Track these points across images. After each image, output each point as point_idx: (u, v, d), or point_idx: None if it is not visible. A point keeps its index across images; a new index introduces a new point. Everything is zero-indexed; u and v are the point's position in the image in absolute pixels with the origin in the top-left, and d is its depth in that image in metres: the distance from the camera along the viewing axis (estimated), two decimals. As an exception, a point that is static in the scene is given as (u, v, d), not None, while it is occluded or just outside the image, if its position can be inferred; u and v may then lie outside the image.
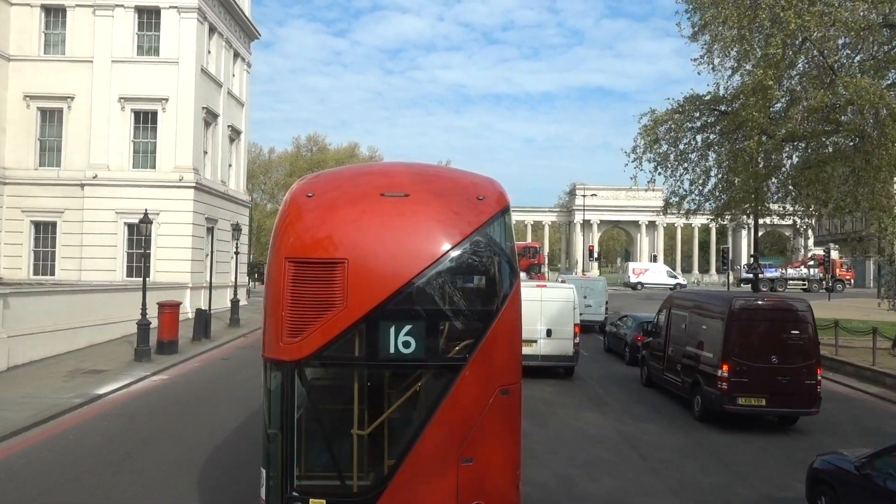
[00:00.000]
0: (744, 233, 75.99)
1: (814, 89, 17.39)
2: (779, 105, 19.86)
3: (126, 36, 29.35)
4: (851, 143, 18.11)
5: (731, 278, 50.63)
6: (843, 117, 17.67)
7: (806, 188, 19.09)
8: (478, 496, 5.67)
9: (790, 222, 29.00)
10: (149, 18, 29.75)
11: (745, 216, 25.11)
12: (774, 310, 13.20)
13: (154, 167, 29.43)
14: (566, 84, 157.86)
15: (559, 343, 17.81)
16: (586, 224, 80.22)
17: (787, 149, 20.23)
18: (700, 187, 22.68)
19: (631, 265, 70.38)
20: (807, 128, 18.40)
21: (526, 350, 16.87)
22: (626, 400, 15.55)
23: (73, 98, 29.24)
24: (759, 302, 13.54)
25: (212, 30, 32.16)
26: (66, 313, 19.99)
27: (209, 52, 31.98)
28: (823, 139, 18.94)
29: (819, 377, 12.80)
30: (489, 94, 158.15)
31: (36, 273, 29.26)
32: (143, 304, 18.86)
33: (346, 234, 5.69)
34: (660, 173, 22.49)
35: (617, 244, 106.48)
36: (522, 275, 41.07)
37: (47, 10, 29.60)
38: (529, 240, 78.82)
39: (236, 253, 29.81)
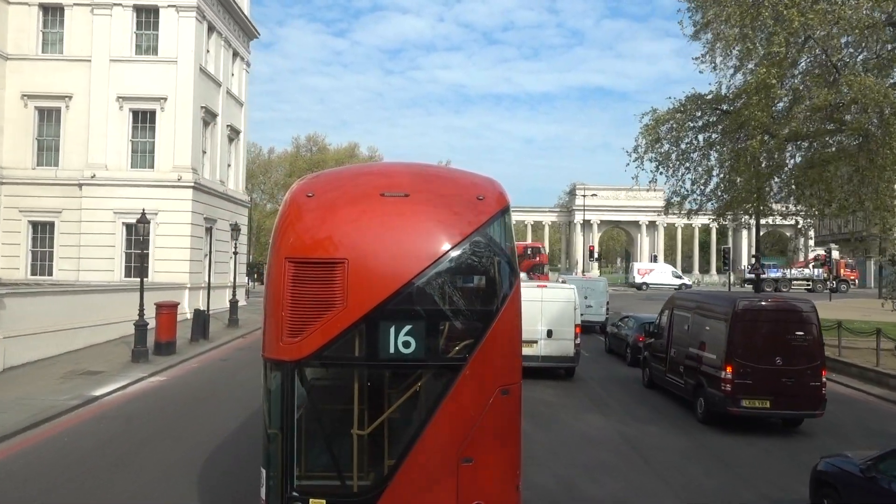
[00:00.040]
0: (744, 233, 75.91)
1: (817, 88, 17.23)
2: (781, 104, 19.71)
3: (124, 35, 29.20)
4: (855, 143, 17.93)
5: (731, 278, 50.43)
6: (846, 116, 17.51)
7: (809, 188, 18.91)
8: (478, 496, 5.66)
9: (791, 222, 28.92)
10: (147, 17, 29.60)
11: (747, 216, 24.91)
12: (778, 310, 13.03)
13: (152, 167, 29.27)
14: (566, 84, 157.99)
15: (560, 344, 17.68)
16: (586, 224, 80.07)
17: (790, 148, 20.07)
18: (702, 187, 22.54)
19: (636, 265, 70.25)
20: (810, 127, 18.24)
21: (526, 351, 16.80)
22: (628, 401, 15.39)
23: (71, 97, 29.10)
24: (763, 303, 13.38)
25: (210, 29, 32.01)
26: (63, 314, 19.84)
27: (208, 51, 31.83)
28: (827, 138, 18.76)
29: (824, 379, 12.64)
30: (489, 94, 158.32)
31: (34, 273, 29.11)
32: (141, 304, 18.71)
33: (346, 235, 5.69)
34: (661, 173, 22.36)
35: (617, 244, 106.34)
36: (524, 275, 40.96)
37: (45, 8, 29.46)
38: (529, 240, 78.53)
39: (235, 253, 29.65)
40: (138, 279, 20.39)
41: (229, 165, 36.07)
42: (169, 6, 29.27)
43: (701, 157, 22.25)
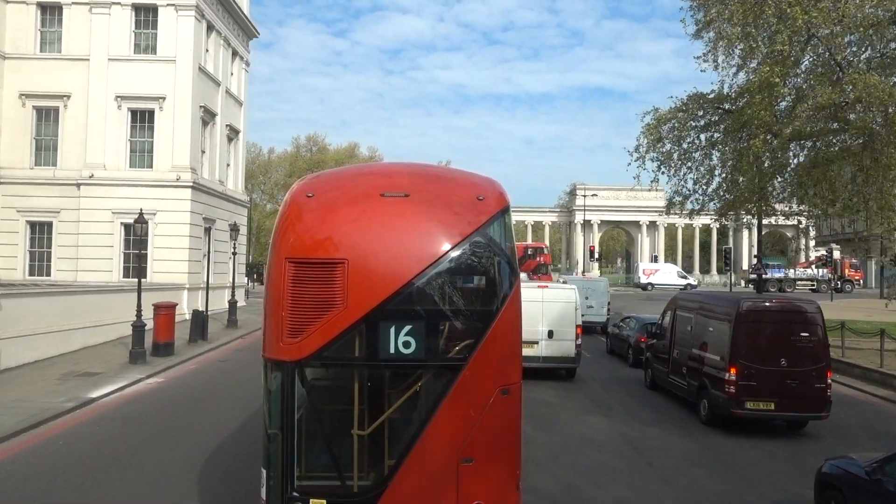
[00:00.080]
0: (745, 233, 75.77)
1: (821, 86, 17.07)
2: (784, 103, 19.55)
3: (123, 34, 29.06)
4: (859, 142, 17.77)
5: (732, 279, 50.25)
6: (850, 115, 17.35)
7: (813, 187, 18.74)
8: (478, 496, 5.66)
9: (792, 223, 28.74)
10: (146, 16, 29.46)
11: (749, 216, 24.74)
12: (783, 311, 12.87)
13: (151, 167, 29.13)
14: (566, 84, 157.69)
15: (561, 344, 17.57)
16: (587, 224, 79.92)
17: (794, 148, 19.91)
18: (704, 187, 22.37)
19: (641, 265, 70.06)
20: (814, 126, 18.08)
21: (527, 351, 16.77)
22: (631, 403, 15.23)
23: (69, 97, 28.95)
24: (767, 303, 13.22)
25: (209, 28, 31.86)
26: (60, 315, 19.69)
27: (207, 50, 31.68)
28: (831, 138, 18.59)
29: (829, 381, 12.48)
30: (489, 94, 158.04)
31: (32, 274, 28.95)
32: (139, 305, 18.56)
33: (346, 235, 5.69)
34: (663, 172, 22.20)
35: (617, 244, 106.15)
36: (524, 276, 40.79)
37: (43, 7, 29.32)
38: (530, 240, 78.37)
39: (234, 253, 29.49)
40: (137, 280, 20.22)
41: (228, 165, 35.92)
42: (168, 5, 29.13)
43: (703, 156, 22.11)
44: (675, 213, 25.95)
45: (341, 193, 6.10)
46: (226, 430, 12.03)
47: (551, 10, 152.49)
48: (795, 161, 20.71)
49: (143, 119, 29.24)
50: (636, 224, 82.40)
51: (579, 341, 17.86)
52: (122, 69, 28.94)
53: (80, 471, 9.80)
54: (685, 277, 66.35)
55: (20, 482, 9.40)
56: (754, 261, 33.79)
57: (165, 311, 19.81)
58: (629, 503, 9.14)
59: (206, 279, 26.86)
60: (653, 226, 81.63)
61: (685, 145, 21.94)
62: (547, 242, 76.75)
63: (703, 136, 22.01)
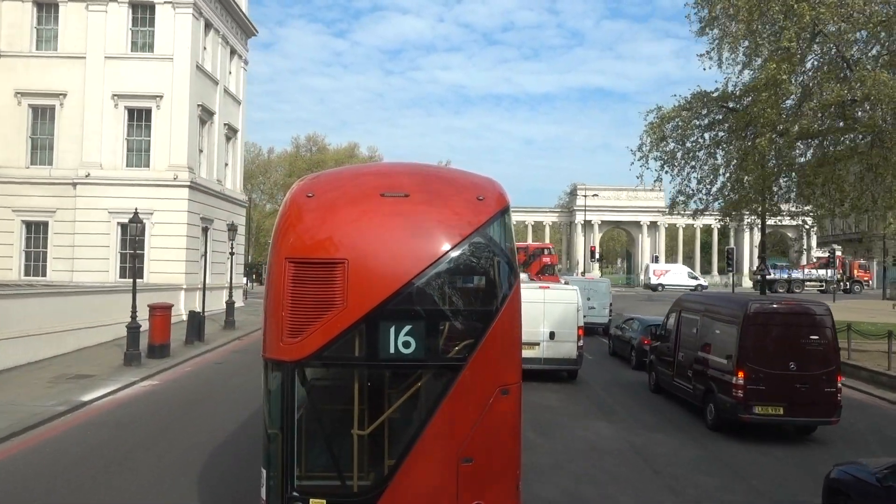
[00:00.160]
0: (746, 234, 75.44)
1: (828, 84, 16.73)
2: (789, 101, 19.23)
3: (120, 31, 28.75)
4: (868, 140, 17.43)
5: (733, 279, 49.96)
6: (858, 113, 17.03)
7: (821, 186, 18.39)
8: (478, 496, 5.67)
9: (795, 223, 28.46)
10: (143, 14, 29.16)
11: (754, 216, 24.40)
12: (792, 314, 12.53)
13: (148, 166, 28.83)
14: (566, 85, 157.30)
15: (562, 346, 17.33)
16: (587, 224, 79.60)
17: (800, 146, 19.59)
18: (708, 186, 22.03)
19: (651, 266, 69.74)
20: (821, 124, 17.74)
21: (528, 353, 16.53)
22: (635, 407, 14.90)
23: (65, 95, 28.64)
24: (776, 305, 12.88)
25: (207, 26, 31.55)
26: (54, 316, 19.36)
27: (205, 48, 31.37)
28: (839, 136, 18.25)
29: (839, 385, 12.15)
30: (489, 94, 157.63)
31: (27, 274, 28.64)
32: (133, 306, 18.25)
33: (346, 235, 5.71)
34: (666, 172, 21.85)
35: (617, 245, 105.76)
36: (524, 276, 40.49)
37: (39, 5, 29.01)
38: (530, 240, 78.05)
39: (232, 253, 29.16)
40: (132, 280, 19.90)
41: (227, 164, 35.62)
42: (165, 2, 28.83)
43: (707, 155, 21.78)
44: (679, 213, 25.61)
45: (341, 193, 6.09)
46: (222, 434, 11.73)
47: (551, 10, 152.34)
48: (802, 160, 20.36)
49: (140, 118, 28.94)
50: (637, 224, 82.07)
51: (581, 343, 17.62)
52: (119, 67, 28.63)
53: (68, 477, 9.49)
54: (696, 278, 65.98)
55: (4, 491, 9.07)
56: (757, 262, 33.49)
57: (161, 313, 19.49)
58: (636, 513, 8.83)
59: (203, 280, 26.52)
60: (653, 226, 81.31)
61: (689, 144, 21.61)
62: (540, 242, 76.38)
63: (707, 135, 21.69)
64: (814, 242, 64.07)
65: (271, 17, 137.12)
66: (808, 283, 60.25)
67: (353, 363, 5.86)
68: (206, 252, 27.79)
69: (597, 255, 71.75)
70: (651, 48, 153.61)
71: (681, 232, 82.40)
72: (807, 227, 24.49)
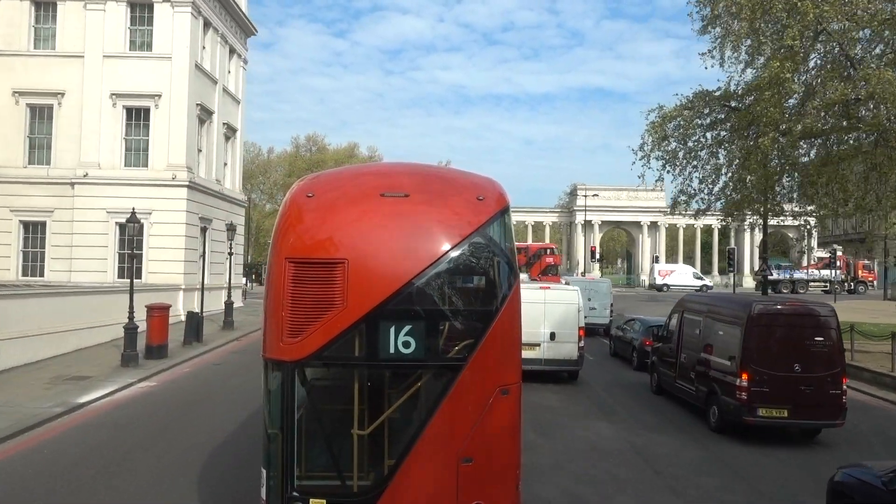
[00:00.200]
0: (747, 234, 75.30)
1: (832, 82, 16.59)
2: (792, 100, 19.10)
3: (118, 30, 28.62)
4: (871, 139, 17.29)
5: (735, 280, 49.86)
6: (862, 111, 16.90)
7: (825, 186, 18.26)
8: (478, 496, 5.66)
9: (797, 223, 28.32)
10: (141, 13, 29.03)
11: (756, 216, 24.26)
12: (796, 315, 12.37)
13: (146, 165, 28.70)
14: (566, 85, 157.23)
15: (563, 347, 17.23)
16: (587, 224, 79.46)
17: (804, 146, 19.45)
18: (710, 186, 21.89)
19: (656, 266, 69.64)
20: (824, 123, 17.60)
21: (529, 354, 16.42)
22: (636, 409, 14.77)
23: (63, 94, 28.51)
24: (780, 306, 12.73)
25: (206, 25, 31.41)
26: (52, 316, 19.23)
27: (204, 47, 31.24)
28: (842, 135, 18.10)
29: (844, 387, 12.04)
30: (489, 94, 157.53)
31: (25, 274, 28.50)
32: (131, 306, 18.12)
33: (346, 235, 5.71)
34: (668, 171, 21.72)
35: (617, 245, 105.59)
36: (524, 276, 40.40)
37: (37, 4, 28.87)
38: (530, 240, 77.93)
39: (230, 254, 29.02)
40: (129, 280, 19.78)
41: (226, 164, 35.48)
42: (164, 1, 28.71)
43: (709, 155, 21.64)
44: (681, 213, 25.47)
45: (341, 193, 6.08)
46: (221, 435, 11.61)
47: (551, 10, 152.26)
48: (805, 159, 20.22)
49: (138, 117, 28.82)
50: (637, 224, 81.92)
51: (582, 343, 17.53)
52: (118, 66, 28.50)
53: (67, 478, 9.37)
54: (701, 279, 65.86)
55: (3, 492, 8.96)
56: (758, 262, 33.29)
57: (159, 313, 19.35)
58: (639, 516, 8.72)
59: (201, 280, 26.39)
60: (654, 226, 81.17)
61: (691, 143, 21.46)
62: (541, 243, 76.24)
63: (709, 135, 21.54)
64: (814, 242, 63.89)
65: (271, 17, 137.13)
66: (811, 284, 60.04)
67: (353, 363, 5.85)
68: (204, 252, 27.62)
69: (597, 256, 71.60)
70: (651, 48, 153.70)
71: (681, 232, 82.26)
72: (808, 227, 24.20)
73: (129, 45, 28.98)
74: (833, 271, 50.91)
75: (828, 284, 58.46)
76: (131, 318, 17.99)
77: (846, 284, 60.26)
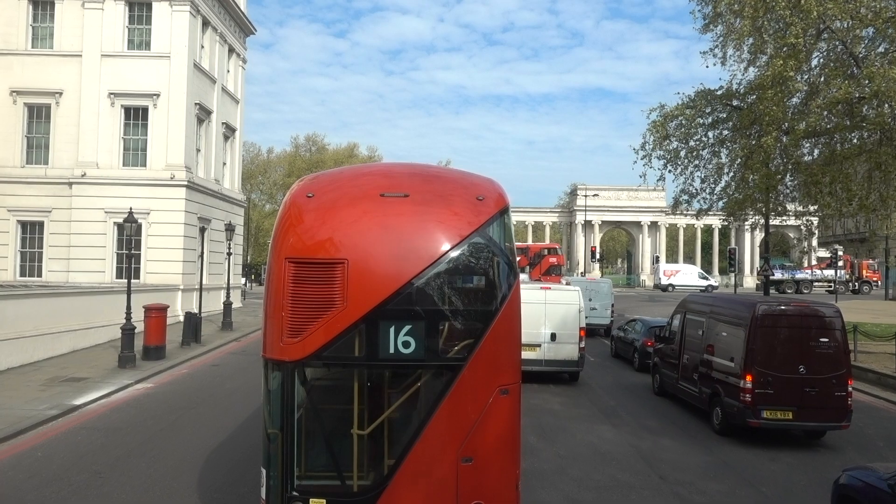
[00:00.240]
0: (747, 234, 75.12)
1: (836, 81, 16.39)
2: (795, 99, 18.91)
3: (116, 29, 28.46)
4: (875, 138, 17.09)
5: (736, 280, 49.58)
6: (865, 109, 16.70)
7: (829, 185, 18.07)
8: (477, 496, 5.68)
9: (797, 223, 28.07)
10: (139, 11, 28.87)
11: (759, 216, 24.05)
12: (801, 315, 12.18)
13: (145, 165, 28.54)
14: (566, 85, 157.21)
15: (564, 347, 17.09)
16: (588, 224, 79.29)
17: (807, 145, 19.25)
18: (712, 185, 21.71)
19: (661, 266, 69.50)
20: (828, 122, 17.40)
21: (529, 355, 16.27)
22: (639, 411, 14.59)
23: (61, 93, 28.35)
24: (784, 307, 12.54)
25: (205, 24, 31.25)
26: (48, 317, 19.07)
27: (202, 46, 31.08)
28: (847, 134, 17.89)
29: (850, 388, 11.85)
30: (489, 95, 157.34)
31: (23, 274, 28.35)
32: (128, 307, 17.94)
33: (346, 235, 5.72)
34: (670, 171, 21.52)
35: (618, 245, 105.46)
36: (524, 276, 40.23)
37: (35, 2, 28.73)
38: (530, 240, 77.81)
39: (229, 254, 28.84)
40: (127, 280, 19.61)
41: (224, 164, 35.31)
42: (162, 0, 28.49)
43: (711, 154, 21.44)
44: (682, 213, 25.27)
45: (341, 194, 6.07)
46: (217, 440, 11.43)
47: (551, 10, 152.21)
48: (809, 158, 20.01)
49: (136, 116, 28.65)
50: (637, 224, 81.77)
51: (583, 344, 17.38)
52: (116, 65, 28.35)
53: (56, 486, 9.17)
54: (706, 279, 65.63)
55: (-9, 499, 8.80)
56: (759, 262, 33.06)
57: (156, 314, 19.17)
58: (643, 522, 8.54)
59: (199, 280, 26.22)
60: (654, 226, 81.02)
61: (692, 143, 21.26)
62: (548, 243, 76.09)
63: (710, 134, 21.35)
64: (815, 242, 63.61)
65: (271, 17, 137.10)
66: (816, 284, 59.78)
67: (353, 363, 5.84)
68: (203, 252, 27.45)
69: (597, 256, 71.45)
70: (651, 48, 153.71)
71: (681, 232, 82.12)
72: (810, 226, 23.88)
73: (128, 45, 28.83)
74: (837, 271, 50.65)
75: (832, 284, 58.18)
76: (128, 318, 17.82)
77: (851, 284, 59.95)
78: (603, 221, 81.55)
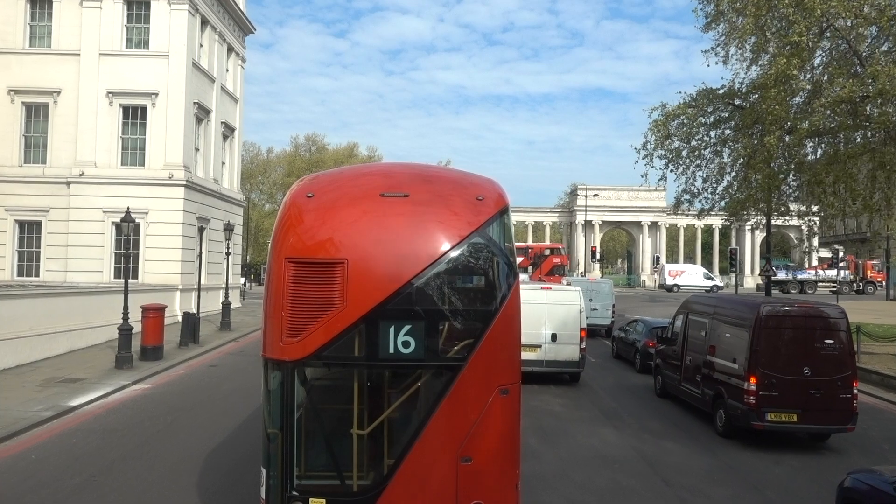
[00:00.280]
0: (747, 234, 74.98)
1: (840, 79, 16.23)
2: (798, 98, 18.76)
3: (114, 28, 28.29)
4: (881, 137, 16.91)
5: (736, 280, 49.40)
6: (870, 109, 16.54)
7: (832, 185, 17.91)
8: (477, 496, 5.68)
9: (798, 223, 27.92)
10: (138, 10, 28.71)
11: (761, 215, 23.87)
12: (805, 316, 12.02)
13: (143, 164, 28.38)
14: (566, 85, 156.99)
15: (565, 348, 16.95)
16: (588, 224, 79.14)
17: (810, 144, 19.08)
18: (714, 185, 21.54)
19: (666, 266, 69.27)
20: (832, 121, 17.24)
21: (530, 355, 16.13)
22: (641, 413, 14.43)
23: (59, 92, 28.19)
24: (789, 308, 12.38)
25: (204, 22, 31.09)
26: (45, 317, 18.91)
27: (201, 45, 30.92)
28: (851, 133, 17.71)
29: (855, 391, 11.70)
30: (489, 95, 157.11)
31: (20, 274, 28.19)
32: (125, 307, 17.79)
33: (345, 235, 5.74)
34: (671, 170, 21.35)
35: (618, 245, 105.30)
36: (524, 276, 40.07)
37: (33, 1, 28.52)
38: (530, 240, 77.68)
39: (228, 254, 28.69)
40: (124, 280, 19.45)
41: (223, 163, 35.15)
42: (161, -2, 28.34)
43: (713, 154, 21.28)
44: (684, 213, 25.10)
45: (341, 194, 6.09)
46: (215, 441, 11.30)
47: (551, 10, 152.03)
48: (812, 157, 19.84)
49: (134, 115, 28.49)
50: (637, 224, 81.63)
51: (584, 345, 17.24)
52: (114, 64, 28.18)
53: (51, 489, 9.03)
54: (711, 279, 65.35)
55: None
56: (759, 262, 32.93)
57: (154, 314, 19.02)
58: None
59: (198, 280, 26.06)
60: (654, 226, 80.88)
61: (694, 142, 21.09)
62: (547, 243, 75.95)
63: (713, 133, 21.18)
64: (816, 242, 63.40)
65: (271, 17, 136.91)
66: (820, 284, 59.59)
67: (353, 363, 5.85)
68: (201, 252, 27.29)
69: (597, 256, 71.27)
70: (651, 48, 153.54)
71: (682, 232, 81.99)
72: (812, 226, 23.63)
73: (126, 43, 28.66)
74: (841, 271, 50.43)
75: (837, 285, 58.03)
76: (126, 319, 17.67)
77: (855, 285, 59.71)
78: (603, 221, 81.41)
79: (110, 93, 28.00)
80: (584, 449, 11.50)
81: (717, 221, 69.24)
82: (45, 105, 28.37)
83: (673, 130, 20.76)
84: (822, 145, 19.57)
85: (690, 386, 14.07)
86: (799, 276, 61.29)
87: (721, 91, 20.48)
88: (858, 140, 17.99)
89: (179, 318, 23.72)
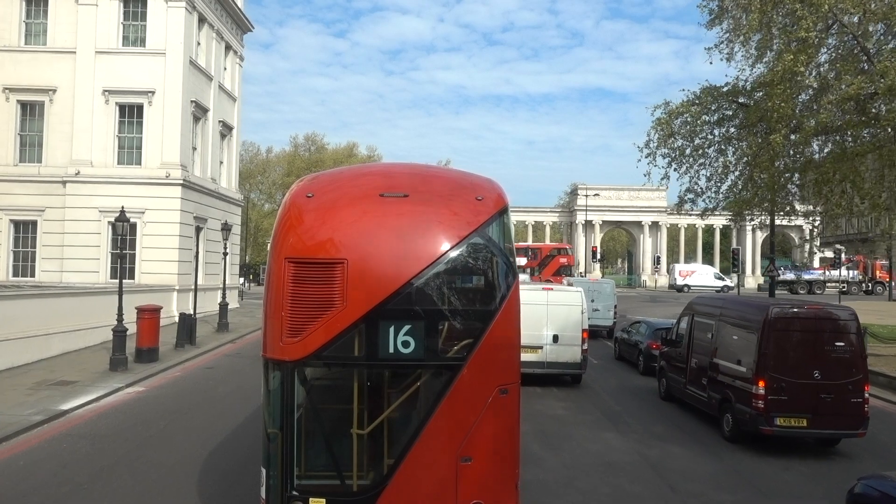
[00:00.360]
0: (749, 235, 74.69)
1: (848, 76, 15.92)
2: (804, 95, 18.45)
3: (111, 26, 28.00)
4: (890, 134, 16.59)
5: (738, 280, 49.19)
6: (879, 106, 16.23)
7: (839, 183, 17.59)
8: (477, 495, 5.68)
9: (801, 223, 27.66)
10: (134, 7, 28.41)
11: (765, 214, 23.56)
12: (815, 318, 11.70)
13: (140, 163, 28.08)
14: (566, 85, 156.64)
15: (566, 349, 16.68)
16: (588, 224, 78.85)
17: (818, 142, 18.77)
18: (717, 184, 21.21)
19: (677, 267, 68.99)
20: (839, 119, 16.92)
21: (531, 357, 15.83)
22: (646, 417, 14.11)
23: (54, 91, 27.89)
24: (798, 309, 12.07)
25: (201, 20, 30.78)
26: (38, 318, 18.61)
27: (198, 43, 30.61)
28: (859, 130, 17.37)
29: (867, 394, 11.40)
30: (489, 95, 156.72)
31: (15, 274, 27.90)
32: (119, 308, 17.47)
33: (345, 235, 5.75)
34: (675, 169, 21.02)
35: (618, 245, 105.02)
36: (524, 276, 39.80)
37: (28, -2, 28.23)
38: (530, 240, 77.38)
39: (225, 254, 28.40)
40: (125, 280, 19.15)
41: (221, 163, 34.84)
42: (158, -4, 28.03)
43: (717, 152, 20.96)
44: (687, 213, 24.78)
45: (341, 194, 6.10)
46: (208, 448, 10.97)
47: (551, 10, 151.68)
48: (818, 156, 19.51)
49: (131, 114, 28.19)
50: (638, 224, 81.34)
51: (586, 346, 16.97)
52: (110, 62, 27.90)
53: (38, 497, 8.73)
54: (722, 279, 64.92)
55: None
56: (761, 262, 32.57)
57: (149, 315, 18.71)
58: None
59: (195, 280, 25.75)
60: (655, 226, 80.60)
61: (698, 140, 20.76)
62: (547, 243, 75.64)
63: (717, 131, 20.86)
64: (818, 242, 63.05)
65: (271, 17, 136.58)
66: (828, 285, 59.25)
67: (353, 363, 5.86)
68: (198, 252, 26.99)
69: (598, 256, 70.95)
70: (651, 48, 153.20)
71: (682, 232, 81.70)
72: (815, 226, 23.25)
73: (122, 41, 28.37)
74: (844, 271, 50.09)
75: (845, 285, 57.66)
76: (120, 320, 17.36)
77: (864, 285, 59.32)
78: (603, 221, 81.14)
79: (106, 91, 27.70)
80: (588, 454, 11.20)
81: (717, 221, 69.03)
82: (41, 103, 28.07)
83: (676, 129, 20.44)
84: (829, 143, 19.23)
85: (696, 389, 13.76)
86: (806, 277, 60.95)
87: (725, 89, 20.17)
88: (867, 138, 17.64)
89: (176, 319, 23.40)
